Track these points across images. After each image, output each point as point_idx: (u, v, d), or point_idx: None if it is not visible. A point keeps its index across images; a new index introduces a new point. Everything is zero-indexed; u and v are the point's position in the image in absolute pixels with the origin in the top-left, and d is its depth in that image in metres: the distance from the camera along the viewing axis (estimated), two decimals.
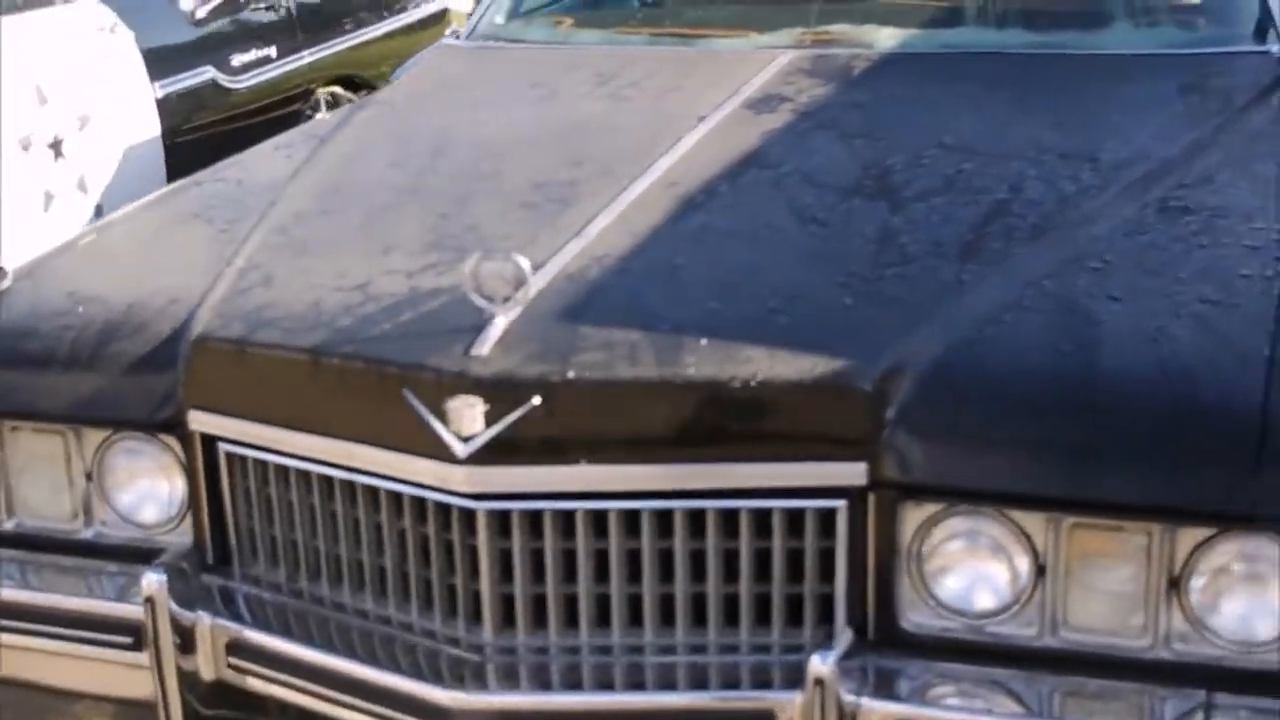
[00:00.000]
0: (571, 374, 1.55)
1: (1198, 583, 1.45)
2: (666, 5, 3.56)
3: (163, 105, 4.03)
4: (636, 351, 1.62)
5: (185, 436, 1.84)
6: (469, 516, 1.59)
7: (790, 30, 2.98)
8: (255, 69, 4.49)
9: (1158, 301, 1.71)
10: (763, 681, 1.59)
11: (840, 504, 1.54)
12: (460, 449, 1.53)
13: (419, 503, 1.64)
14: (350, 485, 1.70)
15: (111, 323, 1.92)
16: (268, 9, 4.71)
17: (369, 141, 2.75)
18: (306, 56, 4.91)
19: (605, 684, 1.64)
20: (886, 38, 2.90)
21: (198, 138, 4.26)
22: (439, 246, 1.90)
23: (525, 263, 1.60)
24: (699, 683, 1.62)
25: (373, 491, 1.69)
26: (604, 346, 1.61)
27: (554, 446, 1.58)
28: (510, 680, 1.59)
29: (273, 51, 4.62)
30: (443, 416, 1.54)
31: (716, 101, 2.52)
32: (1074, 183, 2.15)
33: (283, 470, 1.78)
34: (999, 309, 1.70)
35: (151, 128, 3.97)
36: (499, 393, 1.52)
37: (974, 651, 1.55)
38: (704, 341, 1.62)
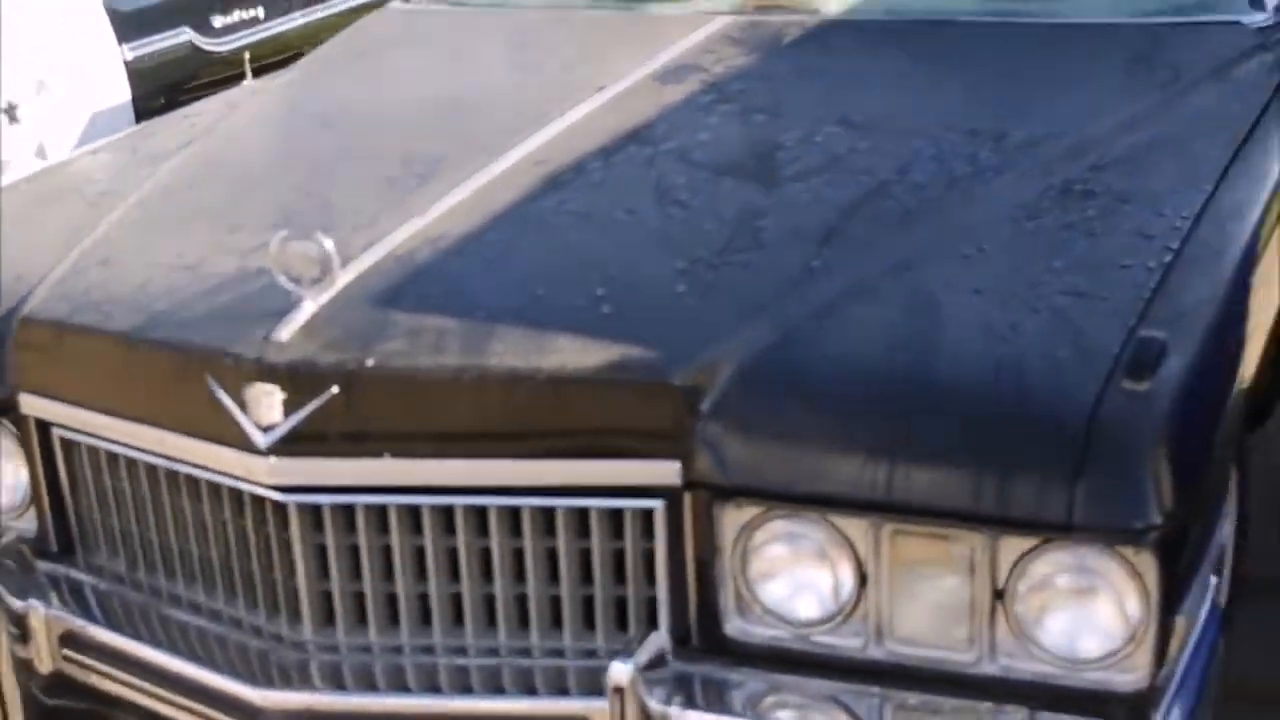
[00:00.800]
0: (371, 362, 1.51)
1: (1022, 595, 1.38)
2: None
3: (132, 69, 3.87)
4: (444, 340, 1.56)
5: (20, 421, 1.81)
6: (281, 510, 1.55)
7: None
8: (240, 30, 4.22)
9: (1020, 294, 1.62)
10: (589, 687, 1.49)
11: (658, 504, 1.49)
12: (261, 439, 1.51)
13: (235, 495, 1.60)
14: (174, 475, 1.67)
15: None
16: None
17: (269, 111, 2.71)
18: (299, 18, 4.61)
19: (404, 686, 1.56)
20: (834, 2, 2.75)
21: (173, 106, 3.87)
22: (283, 225, 1.71)
23: (329, 244, 1.54)
24: (507, 688, 1.54)
25: (194, 482, 1.66)
26: (411, 334, 1.56)
27: (358, 438, 1.54)
28: (323, 679, 1.54)
29: (260, 12, 4.37)
30: (244, 405, 1.51)
31: (624, 71, 2.43)
32: (971, 163, 2.04)
33: (114, 458, 1.76)
34: (841, 300, 1.61)
35: (119, 93, 3.84)
36: (297, 381, 1.49)
37: (800, 662, 1.50)
38: (517, 330, 1.56)
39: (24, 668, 1.77)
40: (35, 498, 1.87)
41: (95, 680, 1.75)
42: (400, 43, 3.08)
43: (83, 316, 1.76)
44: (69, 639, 1.73)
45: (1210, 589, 1.62)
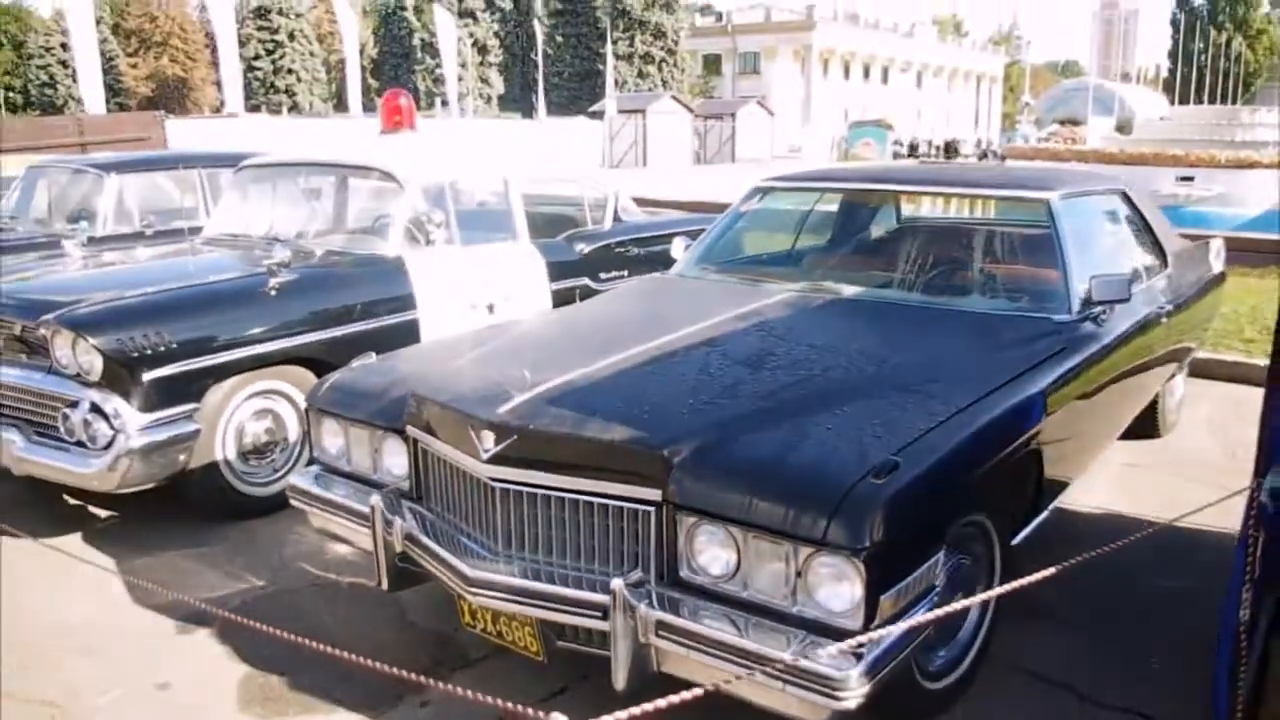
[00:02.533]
0: (531, 426, 2.83)
1: (809, 574, 2.49)
2: (760, 266, 4.98)
3: (554, 295, 6.02)
4: (565, 420, 2.87)
5: (406, 437, 3.37)
6: (491, 489, 2.91)
7: (803, 282, 4.42)
8: (611, 280, 6.42)
9: (845, 432, 2.80)
10: (605, 589, 2.72)
11: (650, 509, 2.69)
12: (484, 456, 2.87)
13: (476, 479, 3.02)
14: (455, 468, 3.14)
15: (390, 383, 3.54)
16: (621, 249, 6.66)
17: (563, 315, 4.51)
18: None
19: (525, 575, 2.91)
20: (847, 290, 4.28)
21: None
22: (526, 365, 3.24)
23: (529, 375, 2.98)
24: (569, 583, 2.84)
25: (461, 472, 3.07)
26: (553, 416, 2.89)
27: (523, 460, 2.86)
28: (501, 570, 2.94)
29: (625, 273, 6.55)
30: (480, 440, 2.89)
31: (723, 312, 3.93)
32: (857, 367, 3.39)
33: (437, 458, 3.21)
34: (745, 422, 2.83)
35: (545, 304, 5.92)
36: (499, 432, 2.84)
37: (713, 595, 2.65)
38: (599, 420, 2.84)
39: (388, 548, 3.23)
40: (410, 473, 3.38)
41: (416, 556, 3.21)
42: (656, 289, 4.78)
43: (427, 392, 3.23)
44: (410, 537, 3.16)
45: (919, 590, 2.64)
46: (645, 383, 3.18)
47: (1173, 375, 5.42)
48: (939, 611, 2.51)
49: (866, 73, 71.84)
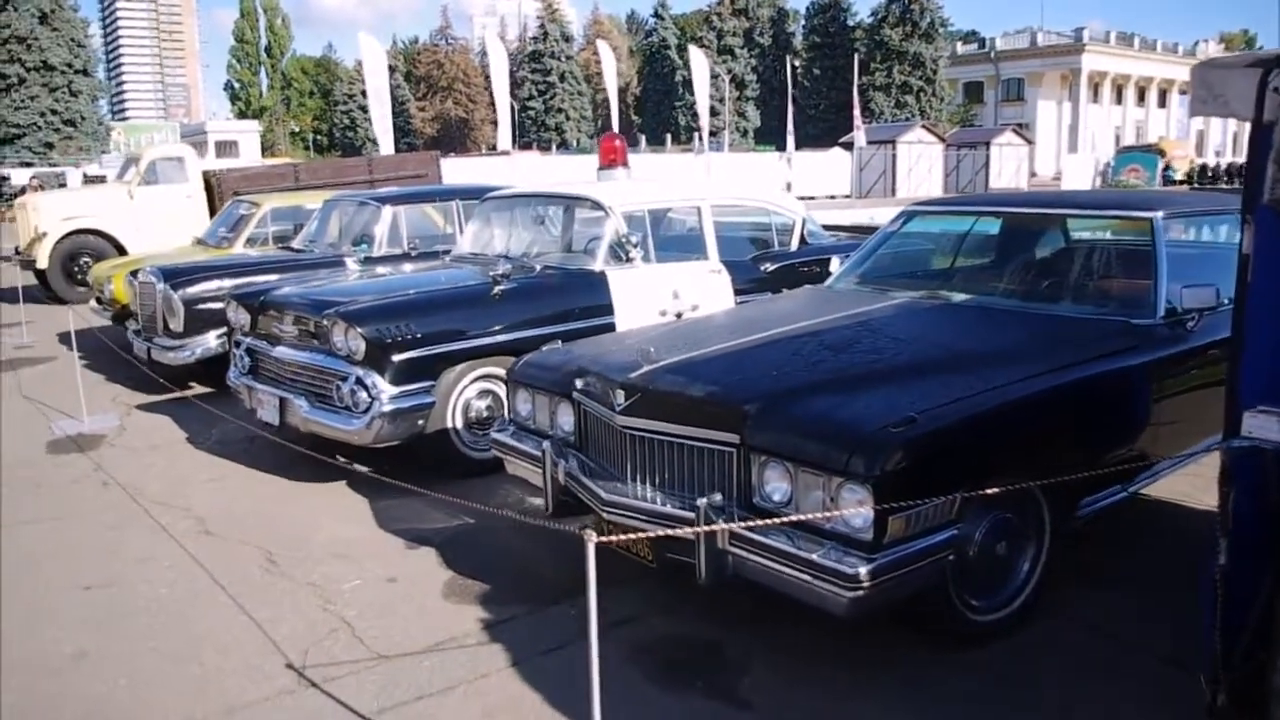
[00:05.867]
0: (650, 386, 3.73)
1: (839, 500, 3.25)
2: (894, 278, 5.60)
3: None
4: (677, 382, 3.77)
5: (573, 400, 4.55)
6: (621, 433, 3.84)
7: (923, 291, 5.10)
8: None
9: (891, 396, 3.49)
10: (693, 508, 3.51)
11: (731, 450, 3.49)
12: (618, 407, 3.79)
13: (611, 427, 3.96)
14: (595, 418, 4.09)
15: (566, 361, 4.53)
16: (805, 269, 7.37)
17: (731, 310, 5.69)
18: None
19: (637, 496, 3.79)
20: (956, 296, 4.91)
21: None
22: (658, 345, 4.19)
23: (654, 351, 3.90)
24: (668, 505, 3.68)
25: (601, 421, 4.06)
26: (669, 380, 3.77)
27: (648, 413, 3.76)
28: (621, 494, 4.07)
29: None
30: (614, 396, 3.84)
31: (840, 311, 4.67)
32: (922, 354, 4.10)
33: (581, 408, 4.33)
34: (810, 388, 3.59)
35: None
36: (629, 390, 3.76)
37: (774, 517, 3.40)
38: (698, 383, 3.71)
39: (554, 483, 4.18)
40: (575, 427, 4.41)
41: (573, 488, 4.19)
42: (789, 296, 5.71)
43: (588, 365, 4.34)
44: (569, 473, 4.10)
45: (931, 521, 3.28)
46: (745, 358, 4.05)
47: None
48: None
49: (1141, 96, 68.02)
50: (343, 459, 5.98)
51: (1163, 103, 68.92)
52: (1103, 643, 3.80)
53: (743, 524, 3.47)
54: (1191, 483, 5.09)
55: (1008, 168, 41.92)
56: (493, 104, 31.68)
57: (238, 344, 6.57)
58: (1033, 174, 44.73)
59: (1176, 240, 4.79)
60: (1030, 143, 46.71)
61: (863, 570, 3.13)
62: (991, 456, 3.53)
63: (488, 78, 41.52)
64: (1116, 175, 42.44)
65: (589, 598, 2.48)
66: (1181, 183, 39.92)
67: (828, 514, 3.26)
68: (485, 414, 5.81)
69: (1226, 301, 4.47)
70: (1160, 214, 4.78)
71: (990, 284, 5.09)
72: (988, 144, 42.85)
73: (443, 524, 5.08)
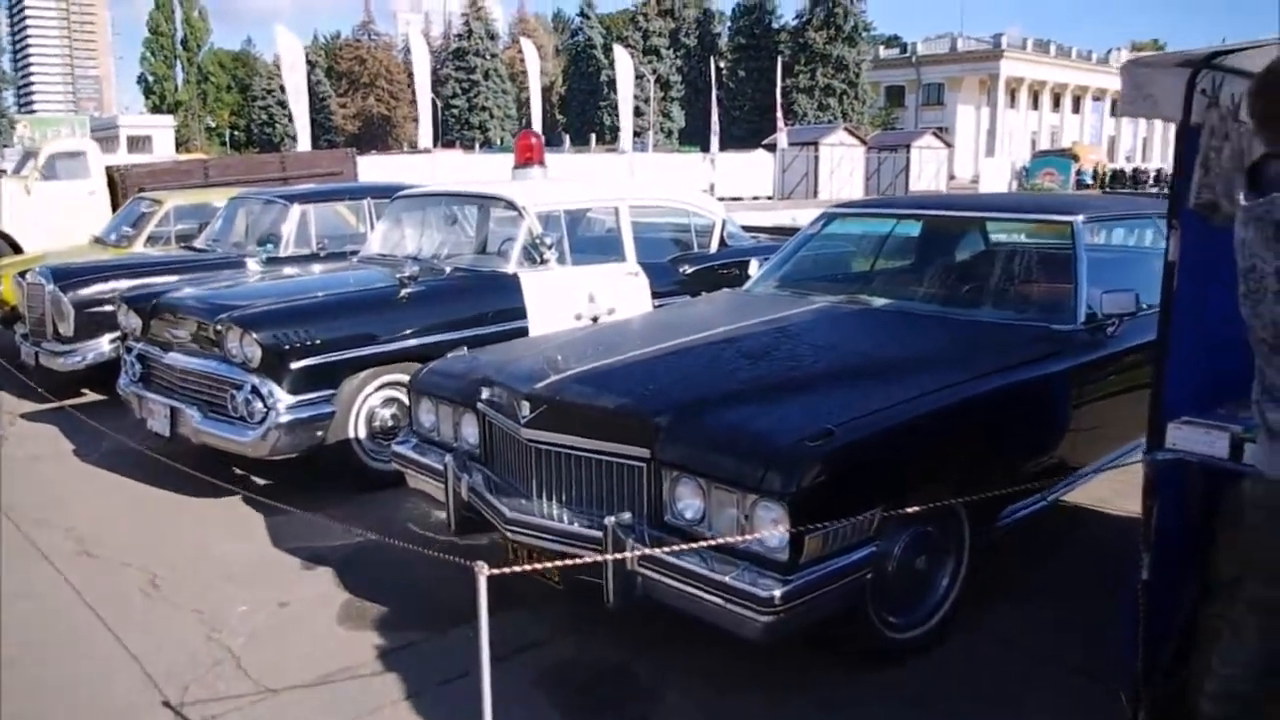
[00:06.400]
0: (558, 397, 3.51)
1: (753, 517, 3.06)
2: (813, 281, 5.48)
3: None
4: (584, 393, 3.57)
5: (477, 410, 4.37)
6: (526, 447, 3.61)
7: (842, 295, 4.97)
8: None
9: (806, 406, 3.34)
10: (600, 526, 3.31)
11: (642, 465, 3.31)
12: (522, 420, 3.55)
13: (515, 439, 3.70)
14: (500, 430, 3.86)
15: (471, 369, 4.30)
16: (724, 271, 7.14)
17: (645, 315, 5.44)
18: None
19: (539, 514, 3.58)
20: (876, 301, 4.83)
21: None
22: (568, 355, 4.03)
23: (562, 359, 3.69)
24: (575, 522, 3.49)
25: (506, 434, 3.82)
26: (576, 391, 3.56)
27: (548, 424, 3.54)
28: (524, 510, 3.80)
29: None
30: (519, 408, 3.60)
31: (757, 317, 4.53)
32: (841, 361, 3.95)
33: (488, 423, 4.11)
34: (724, 399, 3.42)
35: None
36: (534, 401, 3.53)
37: (688, 535, 3.22)
38: (608, 394, 3.51)
39: (457, 498, 3.94)
40: (480, 440, 4.15)
41: (476, 505, 3.90)
42: (705, 300, 5.61)
43: (492, 374, 4.06)
44: (472, 489, 3.86)
45: (850, 539, 3.13)
46: (657, 367, 3.85)
47: None
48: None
49: (1056, 102, 69.67)
50: (241, 470, 5.65)
51: (1076, 108, 70.68)
52: (1018, 656, 3.73)
53: (653, 547, 3.25)
54: (1111, 487, 5.02)
55: (928, 170, 42.53)
56: (416, 101, 31.10)
57: (129, 349, 6.19)
58: (952, 176, 45.46)
59: (1095, 245, 4.70)
60: (949, 146, 47.46)
61: (778, 593, 2.97)
62: (912, 469, 3.41)
63: (411, 75, 40.95)
64: (1032, 179, 43.32)
65: (480, 636, 2.26)
66: (1094, 186, 40.81)
67: (743, 537, 3.08)
68: (390, 423, 5.55)
69: (1145, 307, 4.40)
70: (1080, 218, 4.71)
71: (910, 288, 4.97)
72: (908, 147, 43.42)
73: (340, 541, 4.80)
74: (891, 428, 3.33)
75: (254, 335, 5.10)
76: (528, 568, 2.47)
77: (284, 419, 5.09)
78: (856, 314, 4.65)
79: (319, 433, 5.23)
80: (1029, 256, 5.05)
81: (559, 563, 2.81)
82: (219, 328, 5.29)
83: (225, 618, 4.06)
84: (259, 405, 5.09)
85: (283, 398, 5.11)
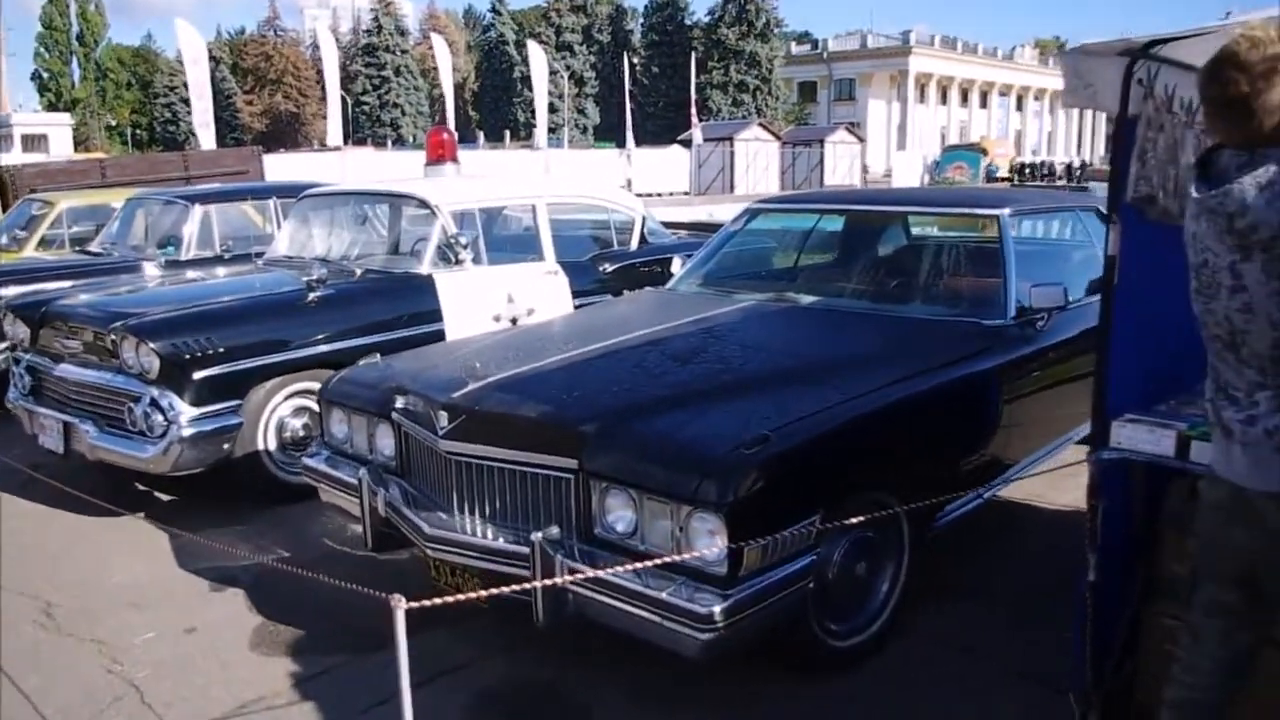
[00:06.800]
0: (477, 407, 3.32)
1: (689, 529, 2.93)
2: (738, 279, 5.40)
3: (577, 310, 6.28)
4: (505, 403, 3.39)
5: (391, 421, 3.97)
6: (445, 459, 3.43)
7: (769, 293, 4.86)
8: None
9: (736, 412, 3.21)
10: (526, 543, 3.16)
11: (570, 476, 3.14)
12: (440, 431, 3.36)
13: (434, 452, 3.50)
14: (418, 442, 3.63)
15: (385, 377, 4.08)
16: (645, 269, 7.04)
17: (565, 317, 5.31)
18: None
19: (465, 531, 3.39)
20: (803, 299, 4.72)
21: None
22: (485, 361, 3.82)
23: (480, 366, 3.50)
24: (500, 539, 3.32)
25: (424, 447, 3.59)
26: (498, 400, 3.38)
27: (469, 434, 3.35)
28: (463, 531, 3.56)
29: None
30: (438, 419, 3.40)
31: (683, 318, 4.41)
32: (773, 362, 3.82)
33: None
34: (654, 405, 3.28)
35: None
36: (453, 411, 3.35)
37: (618, 549, 3.08)
38: (531, 402, 3.35)
39: (373, 512, 3.69)
40: (396, 452, 3.88)
41: (394, 520, 3.69)
42: (627, 300, 5.52)
43: (407, 382, 3.85)
44: (389, 504, 3.66)
45: (790, 549, 3.00)
46: (582, 373, 3.68)
47: None
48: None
49: (965, 97, 71.13)
50: (144, 486, 5.33)
51: (984, 103, 72.23)
52: (958, 658, 3.66)
53: (583, 563, 3.09)
54: (1044, 480, 4.98)
55: (841, 165, 43.00)
56: (325, 98, 30.39)
57: (17, 361, 5.80)
58: (865, 171, 46.02)
59: (1020, 238, 4.65)
60: (862, 141, 48.06)
61: (717, 609, 2.83)
62: (851, 472, 3.31)
63: (319, 71, 39.96)
64: (942, 172, 44.06)
65: (400, 671, 2.06)
66: (1005, 179, 41.68)
67: (681, 554, 2.94)
68: (302, 434, 5.28)
69: (1071, 301, 4.37)
70: (1007, 211, 4.65)
71: (838, 285, 4.89)
72: (822, 142, 43.87)
73: (251, 560, 4.52)
74: (829, 431, 3.21)
75: (151, 344, 4.80)
76: (449, 599, 2.25)
77: (187, 432, 4.79)
78: (784, 313, 4.53)
79: (225, 446, 4.94)
80: (956, 251, 5.00)
81: (485, 592, 2.60)
82: (114, 336, 4.97)
83: (126, 648, 3.79)
84: (159, 418, 4.79)
85: (185, 410, 4.81)
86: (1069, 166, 44.27)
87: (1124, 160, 2.86)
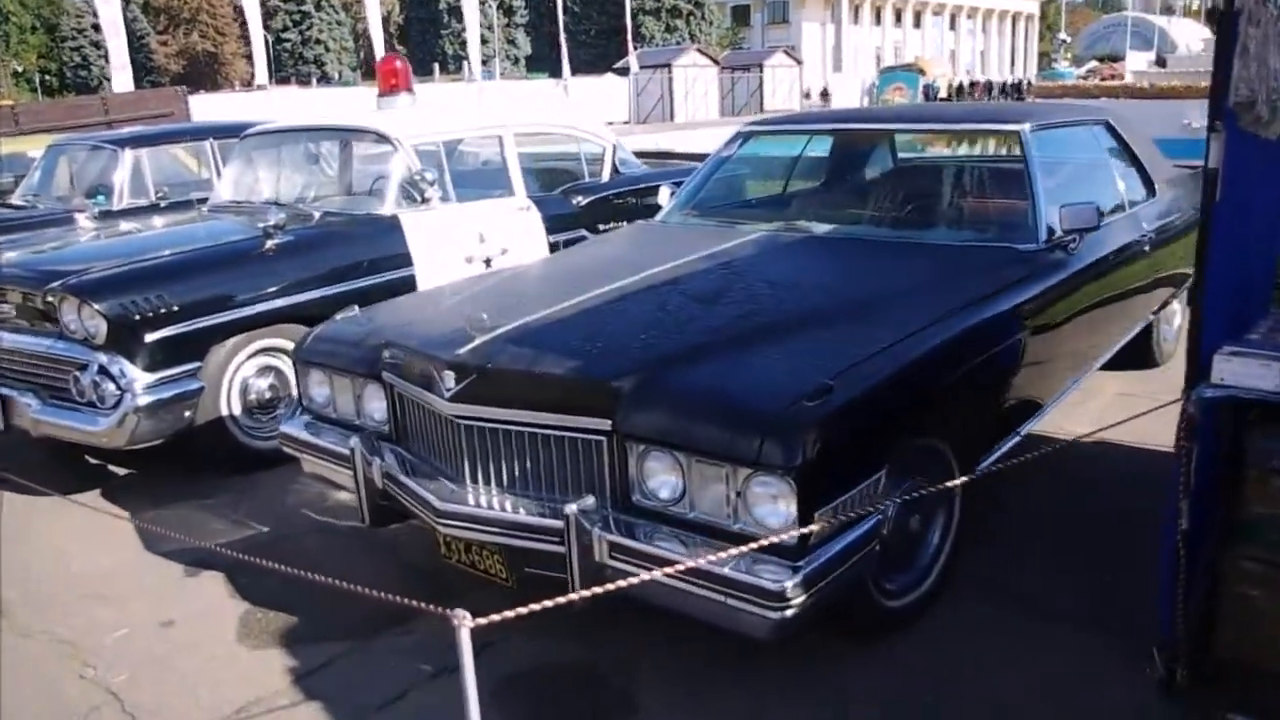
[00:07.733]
0: (489, 365, 2.94)
1: (748, 493, 2.58)
2: (738, 208, 5.11)
3: (552, 248, 5.98)
4: (521, 359, 3.00)
5: (382, 381, 3.59)
6: (454, 423, 3.04)
7: (778, 223, 4.49)
8: (610, 231, 6.21)
9: (784, 356, 2.89)
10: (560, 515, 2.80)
11: (601, 439, 2.79)
12: (446, 394, 2.98)
13: (439, 416, 3.13)
14: (424, 408, 3.27)
15: (369, 333, 3.64)
16: (619, 201, 6.72)
17: (560, 255, 4.87)
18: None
19: (486, 505, 3.03)
20: (818, 228, 4.35)
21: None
22: (490, 310, 3.30)
23: (486, 318, 3.06)
24: (530, 510, 2.95)
25: (429, 411, 3.22)
26: (510, 355, 3.00)
27: (480, 397, 2.98)
28: (468, 502, 3.10)
29: (624, 224, 6.32)
30: (443, 378, 3.00)
31: (691, 253, 4.01)
32: (808, 301, 3.47)
33: (413, 404, 3.43)
34: (691, 355, 2.92)
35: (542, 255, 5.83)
36: (460, 371, 2.96)
37: (663, 518, 2.76)
38: (554, 355, 2.95)
39: (369, 484, 3.34)
40: (389, 416, 3.49)
41: (394, 493, 3.33)
42: (622, 235, 5.02)
43: (399, 338, 3.42)
44: (388, 475, 3.28)
45: (858, 509, 2.69)
46: (601, 321, 3.29)
47: (1166, 303, 5.43)
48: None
49: (898, 17, 70.64)
50: (97, 460, 4.87)
51: (918, 23, 71.80)
52: (1018, 614, 3.40)
53: (625, 535, 2.75)
54: (1061, 411, 4.72)
55: (781, 89, 42.47)
56: (244, 37, 29.07)
57: None
58: (805, 95, 45.52)
59: (1045, 153, 4.32)
60: (800, 64, 47.46)
61: (789, 583, 2.50)
62: (910, 420, 3.00)
63: (237, 9, 38.12)
64: (881, 94, 43.75)
65: (468, 702, 1.68)
66: (944, 99, 41.54)
67: (741, 523, 2.61)
68: (269, 395, 4.84)
69: (1116, 221, 4.06)
70: (1028, 126, 4.30)
71: (852, 212, 4.55)
72: (761, 66, 43.23)
73: (230, 535, 4.12)
74: (891, 376, 2.89)
75: (95, 305, 4.31)
76: (521, 611, 1.88)
77: (143, 401, 4.34)
78: (802, 243, 4.16)
79: (186, 413, 4.50)
80: (978, 172, 4.65)
81: (534, 606, 2.20)
82: (50, 298, 4.45)
83: (97, 648, 3.39)
84: (111, 387, 4.32)
85: (138, 377, 4.35)
86: (1005, 85, 44.22)
87: (1226, 59, 2.50)
